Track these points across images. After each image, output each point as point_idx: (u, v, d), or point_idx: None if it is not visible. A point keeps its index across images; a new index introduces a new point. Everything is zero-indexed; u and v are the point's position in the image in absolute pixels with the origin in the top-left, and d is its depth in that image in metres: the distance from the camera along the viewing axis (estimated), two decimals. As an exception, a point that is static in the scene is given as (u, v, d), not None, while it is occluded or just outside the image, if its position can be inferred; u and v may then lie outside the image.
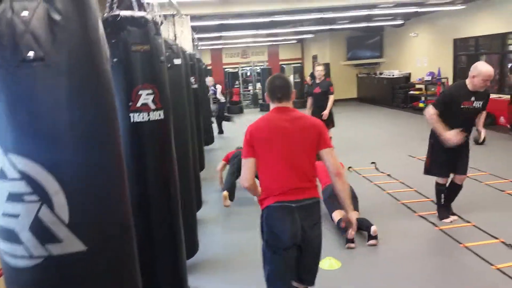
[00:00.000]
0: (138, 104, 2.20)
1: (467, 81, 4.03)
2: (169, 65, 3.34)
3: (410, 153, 7.39)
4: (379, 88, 15.81)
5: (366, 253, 3.86)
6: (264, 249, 2.44)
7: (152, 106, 2.24)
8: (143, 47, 2.19)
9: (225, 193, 5.35)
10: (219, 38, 16.41)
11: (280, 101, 2.49)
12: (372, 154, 7.45)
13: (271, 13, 10.00)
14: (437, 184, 4.45)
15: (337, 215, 4.30)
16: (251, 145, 2.38)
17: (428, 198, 5.05)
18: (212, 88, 11.24)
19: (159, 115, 2.27)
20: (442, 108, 4.05)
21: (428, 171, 4.45)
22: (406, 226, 4.36)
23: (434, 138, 4.26)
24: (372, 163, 6.82)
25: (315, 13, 10.68)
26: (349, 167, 6.49)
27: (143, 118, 2.21)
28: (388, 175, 6.15)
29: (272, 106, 2.53)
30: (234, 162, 5.75)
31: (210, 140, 9.73)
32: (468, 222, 4.28)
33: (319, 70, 7.22)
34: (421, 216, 4.51)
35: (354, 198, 4.51)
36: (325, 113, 7.25)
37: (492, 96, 10.07)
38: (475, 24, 11.13)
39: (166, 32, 5.24)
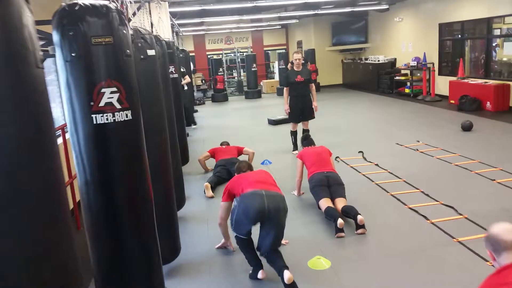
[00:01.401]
0: (101, 104, 1.95)
1: None
2: (142, 56, 3.10)
3: (398, 141, 7.25)
4: (364, 73, 15.66)
5: (356, 249, 3.70)
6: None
7: (118, 106, 1.99)
8: (105, 39, 1.94)
9: (207, 183, 5.50)
10: (202, 24, 16.01)
11: (244, 172, 3.73)
12: (359, 143, 7.29)
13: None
14: None
15: (323, 203, 4.26)
16: (230, 193, 3.48)
17: (418, 189, 4.91)
18: None
19: (126, 116, 2.03)
20: None
21: None
22: (397, 219, 4.21)
23: None
24: (360, 152, 6.66)
25: (299, -2, 10.40)
26: (337, 157, 6.32)
27: (107, 119, 1.97)
28: (376, 164, 5.99)
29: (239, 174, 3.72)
30: (219, 169, 5.93)
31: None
32: (461, 214, 4.14)
33: (298, 59, 6.92)
34: (412, 209, 4.36)
35: (340, 185, 4.46)
36: (316, 105, 7.02)
37: (478, 81, 10.05)
38: (460, 9, 10.98)
39: (142, 20, 4.94)
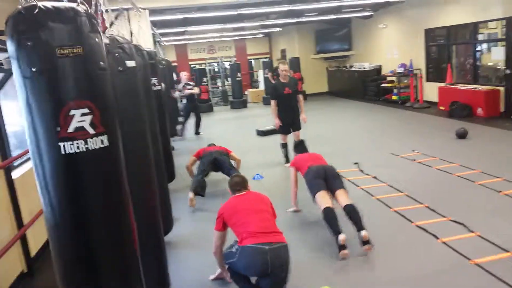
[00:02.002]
0: (70, 129, 1.58)
1: None
2: (120, 68, 2.72)
3: (392, 150, 6.97)
4: (350, 81, 15.48)
5: (365, 275, 3.35)
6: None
7: (91, 131, 1.62)
8: (73, 50, 1.57)
9: (191, 195, 5.24)
10: (183, 33, 15.66)
11: (239, 191, 3.38)
12: (353, 154, 7.00)
13: (238, 5, 9.39)
14: None
15: (321, 200, 3.90)
16: (225, 222, 3.18)
17: (421, 203, 4.61)
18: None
19: (102, 142, 1.65)
20: None
21: None
22: (404, 239, 3.88)
23: None
24: (355, 163, 6.35)
25: (284, 5, 10.15)
26: (331, 170, 5.99)
27: (78, 148, 1.59)
28: (374, 177, 5.68)
29: (233, 195, 3.40)
30: (204, 161, 5.68)
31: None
32: (472, 232, 3.84)
33: (285, 70, 6.54)
34: (419, 227, 4.04)
35: (338, 177, 4.15)
36: (305, 117, 6.72)
37: (467, 87, 9.91)
38: (445, 14, 10.87)
39: (121, 29, 4.57)
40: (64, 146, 1.58)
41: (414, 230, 4.02)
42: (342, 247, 3.61)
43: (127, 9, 4.90)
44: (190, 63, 20.52)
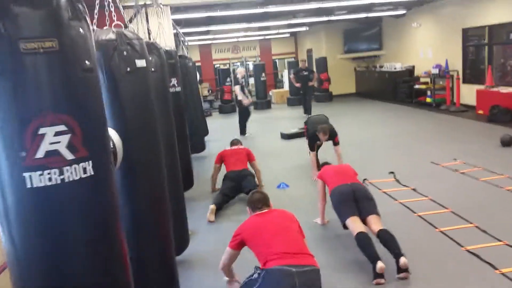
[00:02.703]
0: (39, 154, 1.16)
1: None
2: (128, 69, 2.31)
3: (431, 159, 6.38)
4: (380, 82, 14.81)
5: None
6: None
7: (69, 156, 1.19)
8: (45, 43, 1.15)
9: (213, 206, 4.90)
10: (208, 32, 15.32)
11: (260, 209, 2.99)
12: (387, 161, 6.45)
13: (265, 3, 8.95)
14: None
15: (352, 225, 3.49)
16: (242, 241, 2.84)
17: (471, 223, 4.05)
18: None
19: (84, 170, 1.23)
20: None
21: None
22: (454, 267, 3.33)
23: None
24: (391, 173, 5.80)
25: (313, 2, 9.64)
26: (365, 179, 5.48)
27: (50, 179, 1.17)
28: (414, 189, 5.12)
29: (253, 213, 3.01)
30: (226, 185, 5.33)
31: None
32: (536, 262, 3.28)
33: (323, 141, 5.90)
34: (471, 252, 3.50)
35: (370, 200, 3.70)
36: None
37: (509, 90, 9.18)
38: (486, 12, 10.13)
39: (139, 28, 4.19)
40: (30, 177, 1.15)
41: (465, 256, 3.47)
42: (378, 275, 3.17)
43: (144, 6, 4.50)
44: (214, 63, 20.20)
